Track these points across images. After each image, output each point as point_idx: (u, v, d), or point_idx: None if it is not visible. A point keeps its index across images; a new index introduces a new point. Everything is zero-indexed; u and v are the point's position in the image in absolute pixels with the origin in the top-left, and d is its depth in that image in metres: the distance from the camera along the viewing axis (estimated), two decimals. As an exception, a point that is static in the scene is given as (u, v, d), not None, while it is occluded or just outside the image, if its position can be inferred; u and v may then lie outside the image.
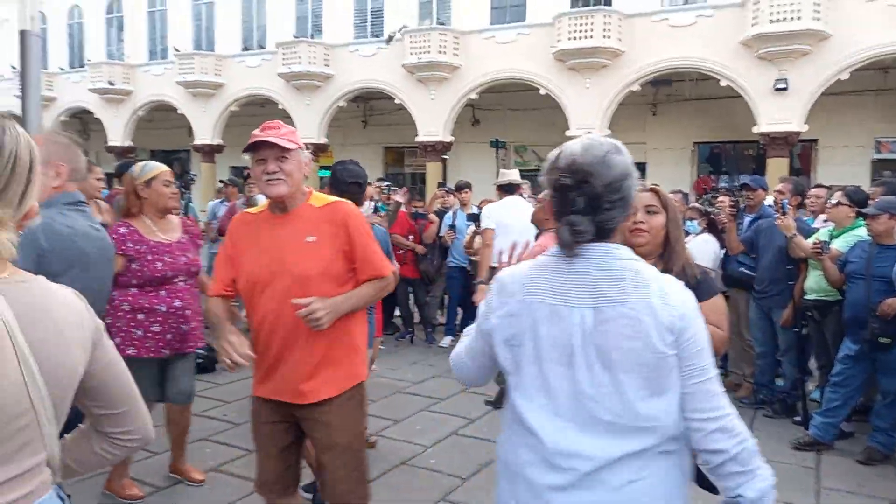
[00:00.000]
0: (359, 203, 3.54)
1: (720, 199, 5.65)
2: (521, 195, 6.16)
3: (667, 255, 2.27)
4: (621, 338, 1.33)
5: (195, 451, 3.94)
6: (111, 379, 1.21)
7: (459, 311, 7.56)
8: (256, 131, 2.23)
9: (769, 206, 5.72)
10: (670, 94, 17.04)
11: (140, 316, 3.28)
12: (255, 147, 2.22)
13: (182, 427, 3.63)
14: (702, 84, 15.84)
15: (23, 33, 6.42)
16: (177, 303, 3.38)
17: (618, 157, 1.38)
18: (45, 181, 2.19)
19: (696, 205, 5.55)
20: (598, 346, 1.34)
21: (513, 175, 5.97)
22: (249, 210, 2.51)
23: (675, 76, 15.86)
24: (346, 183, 3.61)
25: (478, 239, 7.24)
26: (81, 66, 23.65)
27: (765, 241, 5.08)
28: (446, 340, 7.45)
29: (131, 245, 3.28)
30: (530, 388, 1.43)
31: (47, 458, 1.10)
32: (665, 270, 1.61)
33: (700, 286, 2.50)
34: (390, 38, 17.18)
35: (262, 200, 6.60)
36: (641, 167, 18.00)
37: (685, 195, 6.26)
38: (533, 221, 4.25)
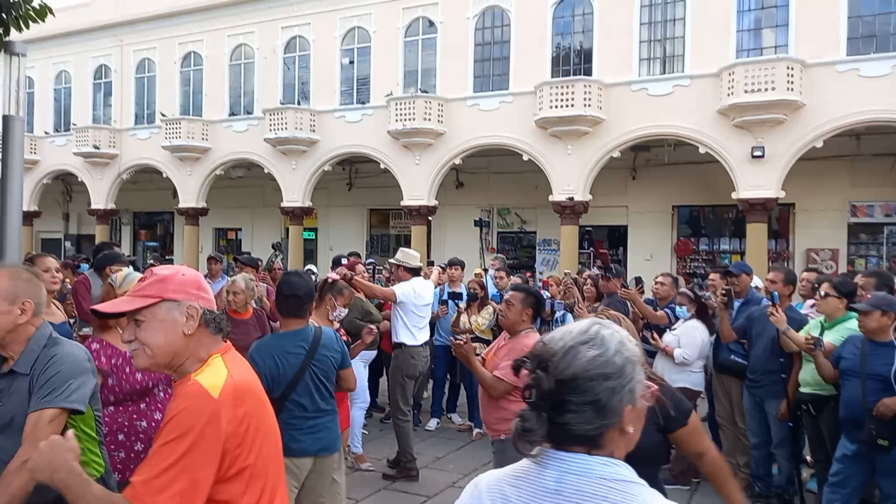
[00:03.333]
0: (304, 316, 3.54)
1: (711, 277, 5.66)
2: (424, 276, 6.28)
3: None
4: None
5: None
6: None
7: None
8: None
9: (756, 288, 5.75)
10: (649, 158, 17.38)
11: (121, 437, 3.12)
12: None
13: None
14: (680, 149, 16.20)
15: (6, 119, 6.42)
16: (157, 415, 3.23)
17: (589, 352, 1.17)
18: (10, 319, 2.21)
19: (686, 290, 5.55)
20: None
21: (416, 259, 6.01)
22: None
23: (654, 142, 16.21)
24: (284, 296, 3.52)
25: (463, 317, 7.22)
26: (67, 130, 23.70)
27: (757, 331, 5.06)
28: (433, 423, 7.29)
29: (104, 360, 3.11)
30: None
31: None
32: None
33: (674, 417, 2.49)
34: None
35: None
36: (624, 230, 18.23)
37: (675, 279, 6.26)
38: (502, 325, 4.00)
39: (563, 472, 1.16)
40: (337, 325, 4.50)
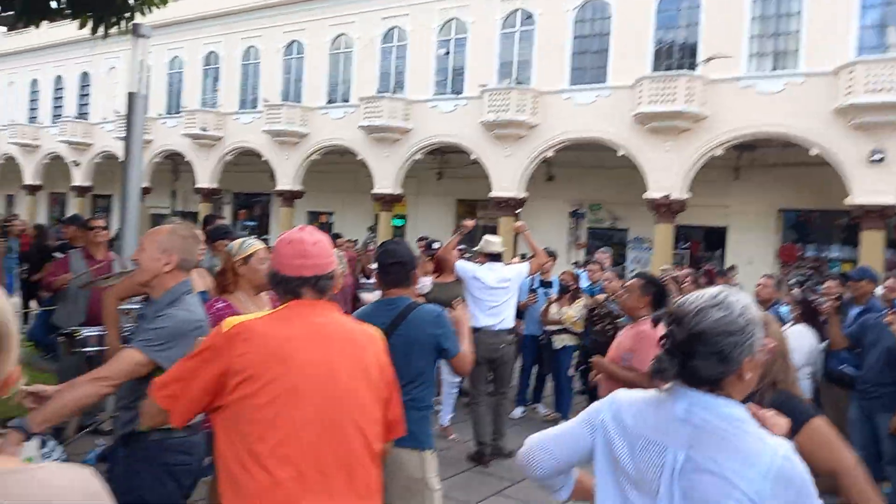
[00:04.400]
0: (408, 285, 3.17)
1: (827, 284, 5.33)
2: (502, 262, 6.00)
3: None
4: (710, 493, 1.36)
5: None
6: None
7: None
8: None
9: (877, 297, 5.37)
10: (755, 158, 16.55)
11: None
12: None
13: None
14: (789, 150, 15.33)
15: (131, 96, 6.87)
16: None
17: (716, 313, 1.42)
18: (158, 266, 2.43)
19: (795, 293, 5.24)
20: (684, 490, 1.39)
21: (494, 244, 5.88)
22: None
23: (760, 142, 15.42)
24: (386, 265, 3.16)
25: (553, 307, 7.13)
26: (178, 113, 25.15)
27: (871, 339, 4.72)
28: (518, 411, 7.26)
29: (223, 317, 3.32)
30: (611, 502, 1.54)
31: None
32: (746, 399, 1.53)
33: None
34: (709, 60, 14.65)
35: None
36: (723, 232, 17.45)
37: (779, 281, 5.92)
38: (623, 309, 4.15)
39: (691, 405, 1.44)
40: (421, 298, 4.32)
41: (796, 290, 5.00)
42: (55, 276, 5.35)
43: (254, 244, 3.51)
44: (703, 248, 17.99)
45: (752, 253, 16.55)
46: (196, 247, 2.58)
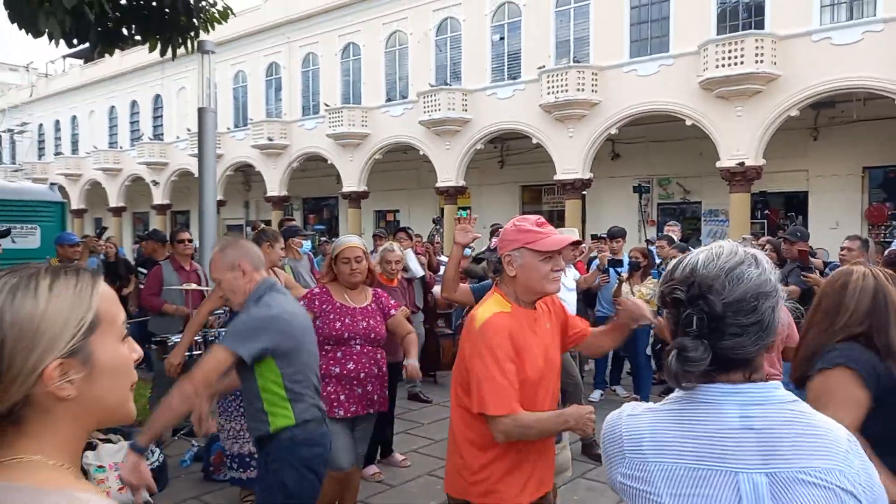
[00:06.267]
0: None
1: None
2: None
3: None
4: None
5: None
6: None
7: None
8: (550, 230, 2.22)
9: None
10: (834, 116, 15.63)
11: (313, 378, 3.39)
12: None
13: (352, 489, 3.68)
14: (871, 104, 14.38)
15: (200, 111, 7.14)
16: (350, 365, 3.51)
17: (751, 271, 1.13)
18: (238, 283, 2.63)
19: (889, 253, 4.88)
20: None
21: (574, 234, 5.70)
22: (502, 310, 2.19)
23: (839, 97, 14.53)
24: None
25: (625, 287, 6.98)
26: (245, 125, 26.03)
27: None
28: (596, 394, 7.16)
29: (317, 303, 3.54)
30: None
31: None
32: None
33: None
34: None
35: (409, 258, 6.63)
36: (803, 197, 16.60)
37: (864, 241, 5.53)
38: None
39: (743, 405, 1.11)
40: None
41: (889, 251, 4.64)
42: (151, 290, 5.62)
43: (341, 243, 3.66)
44: (784, 215, 17.15)
45: (838, 216, 15.65)
46: (248, 247, 2.72)
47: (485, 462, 2.15)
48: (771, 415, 1.10)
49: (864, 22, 13.62)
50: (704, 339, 1.11)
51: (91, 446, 4.31)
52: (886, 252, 4.66)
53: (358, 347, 3.54)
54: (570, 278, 5.88)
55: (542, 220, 2.26)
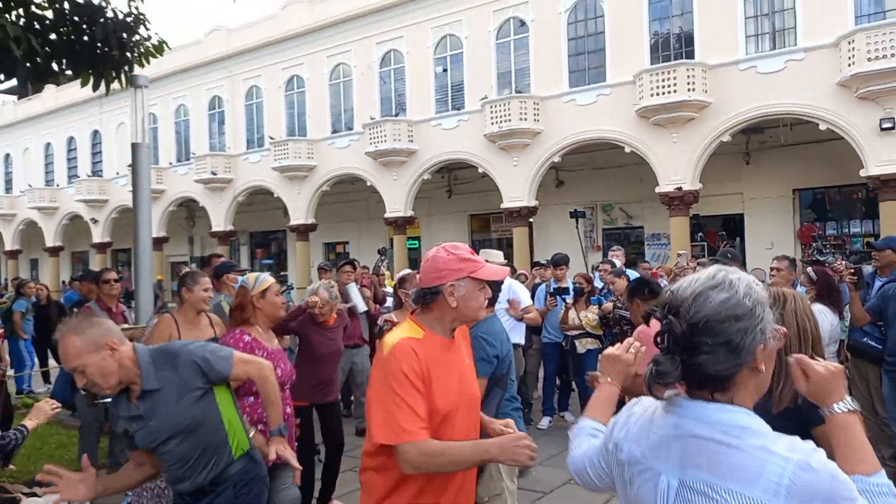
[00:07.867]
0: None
1: (835, 265, 5.19)
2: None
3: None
4: None
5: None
6: None
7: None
8: (488, 260, 2.18)
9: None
10: (764, 141, 16.35)
11: (259, 427, 3.23)
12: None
13: None
14: (798, 129, 15.12)
15: (134, 146, 6.97)
16: (287, 409, 3.43)
17: (719, 295, 1.20)
18: (108, 363, 2.28)
19: (810, 271, 5.10)
20: None
21: (499, 257, 5.74)
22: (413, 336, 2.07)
23: (767, 123, 15.23)
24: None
25: (571, 312, 7.05)
26: (187, 160, 25.56)
27: (893, 310, 4.59)
28: (545, 422, 7.16)
29: (258, 353, 3.26)
30: None
31: None
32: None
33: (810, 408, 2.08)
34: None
35: (352, 292, 6.58)
36: (740, 219, 17.22)
37: (792, 261, 5.78)
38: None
39: (681, 417, 1.24)
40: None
41: (809, 270, 4.87)
42: None
43: (267, 278, 3.57)
44: (720, 239, 17.74)
45: (772, 236, 16.29)
46: (101, 321, 2.41)
47: (386, 492, 2.02)
48: (700, 430, 1.20)
49: (786, 51, 14.38)
50: (676, 354, 1.22)
51: (14, 501, 4.07)
52: (807, 270, 4.87)
53: (287, 391, 3.55)
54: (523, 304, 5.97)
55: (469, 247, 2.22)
